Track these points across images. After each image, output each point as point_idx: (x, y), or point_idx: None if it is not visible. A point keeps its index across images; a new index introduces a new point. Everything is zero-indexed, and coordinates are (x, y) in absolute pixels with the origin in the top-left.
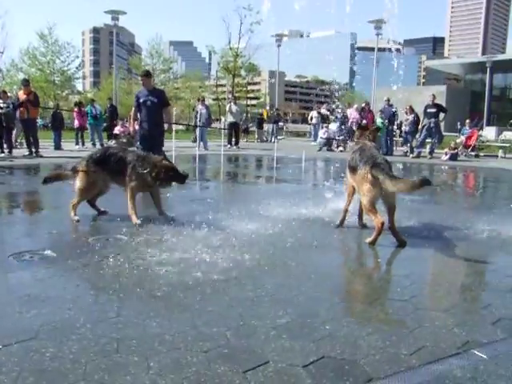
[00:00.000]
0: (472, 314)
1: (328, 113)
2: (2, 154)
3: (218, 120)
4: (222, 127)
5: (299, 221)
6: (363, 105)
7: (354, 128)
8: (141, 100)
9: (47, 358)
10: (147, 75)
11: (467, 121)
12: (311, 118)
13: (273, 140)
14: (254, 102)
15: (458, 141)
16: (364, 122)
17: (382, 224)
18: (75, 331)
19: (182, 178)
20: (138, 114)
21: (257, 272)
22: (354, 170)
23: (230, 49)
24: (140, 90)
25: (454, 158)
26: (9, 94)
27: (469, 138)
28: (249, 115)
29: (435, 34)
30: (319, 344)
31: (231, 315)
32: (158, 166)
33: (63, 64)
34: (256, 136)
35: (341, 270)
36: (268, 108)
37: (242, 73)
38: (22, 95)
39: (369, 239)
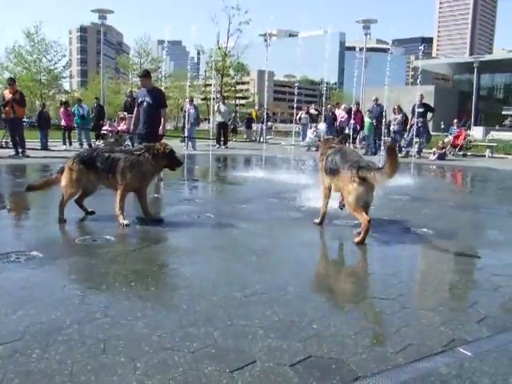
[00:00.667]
0: (458, 312)
1: (316, 112)
2: None
3: (206, 120)
4: (211, 127)
5: (285, 219)
6: (352, 105)
7: (343, 127)
8: (139, 100)
9: (33, 359)
10: (145, 75)
11: (455, 120)
12: (300, 118)
13: (262, 140)
14: (242, 101)
15: (445, 140)
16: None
17: (369, 222)
18: (62, 332)
19: (178, 162)
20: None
21: (244, 271)
22: (334, 172)
23: (219, 48)
24: (140, 90)
25: (441, 157)
26: None
27: (456, 137)
28: (237, 114)
29: (424, 34)
30: (306, 343)
31: (219, 315)
32: (156, 147)
33: (50, 63)
34: (245, 136)
35: (328, 268)
36: (257, 108)
37: (231, 72)
38: (7, 94)
39: (357, 239)
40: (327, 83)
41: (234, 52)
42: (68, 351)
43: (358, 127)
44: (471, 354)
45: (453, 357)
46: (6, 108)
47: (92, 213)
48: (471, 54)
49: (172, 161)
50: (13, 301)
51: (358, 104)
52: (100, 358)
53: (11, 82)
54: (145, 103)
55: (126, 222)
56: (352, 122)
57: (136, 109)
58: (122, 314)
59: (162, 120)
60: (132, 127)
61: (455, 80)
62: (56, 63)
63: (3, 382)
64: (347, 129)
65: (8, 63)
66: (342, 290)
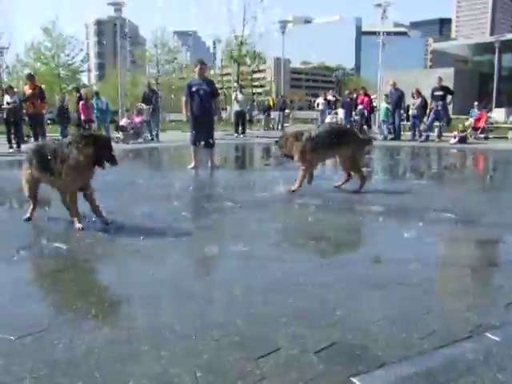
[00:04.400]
0: (484, 297)
1: (334, 99)
2: (11, 150)
3: (224, 109)
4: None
5: (302, 205)
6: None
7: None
8: (193, 89)
9: (60, 349)
10: (204, 64)
11: (475, 103)
12: (318, 105)
13: (280, 127)
14: (259, 90)
15: (466, 123)
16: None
17: None
18: (87, 322)
19: (113, 158)
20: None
21: (264, 259)
22: None
23: (235, 37)
24: (192, 79)
25: (462, 140)
26: (15, 90)
27: (477, 120)
28: (255, 103)
29: (442, 15)
30: (330, 330)
31: (241, 303)
32: (81, 134)
33: (68, 57)
34: (263, 124)
35: (349, 255)
36: (274, 96)
37: (247, 61)
38: (27, 90)
39: None
40: (344, 69)
41: (250, 40)
42: (93, 341)
43: (366, 112)
44: (499, 339)
45: (480, 342)
46: (27, 103)
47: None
48: (491, 34)
49: (103, 154)
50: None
51: (363, 88)
52: (125, 347)
53: (31, 77)
54: (201, 91)
55: (80, 225)
56: (360, 107)
57: (186, 97)
58: (145, 303)
59: (216, 107)
60: (188, 115)
61: (475, 61)
62: (74, 57)
63: (33, 370)
64: (354, 115)
65: (28, 59)
66: (364, 275)
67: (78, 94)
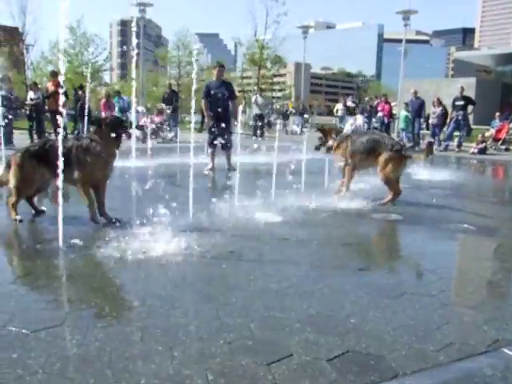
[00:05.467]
0: (502, 310)
1: (354, 105)
2: None
3: (243, 112)
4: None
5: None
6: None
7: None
8: (212, 91)
9: (73, 345)
10: (223, 67)
11: (497, 113)
12: (337, 111)
13: (299, 132)
14: (279, 94)
15: (487, 134)
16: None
17: None
18: (101, 320)
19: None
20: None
21: (281, 263)
22: None
23: (256, 41)
24: (211, 82)
25: (482, 151)
26: (39, 86)
27: (499, 131)
28: (274, 106)
29: (465, 25)
30: (344, 338)
31: (255, 307)
32: (101, 119)
33: (91, 56)
34: (282, 128)
35: (366, 262)
36: (293, 100)
37: (268, 65)
38: (50, 87)
39: None
40: (364, 76)
41: (272, 44)
42: (106, 338)
43: (386, 120)
44: None
45: (498, 358)
46: (50, 100)
47: (42, 212)
48: None
49: (123, 128)
50: None
51: (385, 95)
52: (138, 346)
53: (54, 74)
54: (219, 94)
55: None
56: (380, 114)
57: (204, 99)
58: (160, 302)
59: (235, 110)
60: (209, 117)
61: (498, 72)
62: (97, 56)
63: (46, 364)
64: (374, 122)
65: (52, 57)
66: (381, 284)
67: (80, 93)
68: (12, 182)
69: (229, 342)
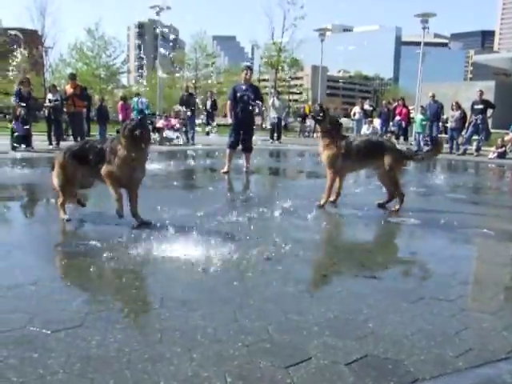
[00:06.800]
0: None
1: (371, 108)
2: (51, 146)
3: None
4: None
5: (339, 216)
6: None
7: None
8: (238, 94)
9: (93, 345)
10: (251, 69)
11: None
12: (354, 114)
13: (315, 135)
14: (296, 97)
15: (506, 138)
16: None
17: None
18: (119, 321)
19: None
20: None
21: (298, 266)
22: None
23: (274, 43)
24: (237, 84)
25: (501, 155)
26: (58, 88)
27: None
28: (291, 109)
29: (484, 27)
30: (362, 342)
31: (273, 310)
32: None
33: (109, 58)
34: (299, 131)
35: (385, 266)
36: (310, 103)
37: (285, 67)
38: (68, 89)
39: None
40: (381, 79)
41: (289, 47)
42: (125, 339)
43: (404, 124)
44: None
45: None
46: (68, 102)
47: (84, 205)
48: None
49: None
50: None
51: (402, 99)
52: (157, 348)
53: (72, 77)
54: (245, 97)
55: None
56: (397, 118)
57: (230, 101)
58: (178, 305)
59: (260, 111)
60: (233, 119)
61: None
62: (115, 59)
63: (66, 365)
64: (391, 125)
65: (70, 59)
66: (399, 288)
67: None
68: (56, 183)
69: (247, 345)
